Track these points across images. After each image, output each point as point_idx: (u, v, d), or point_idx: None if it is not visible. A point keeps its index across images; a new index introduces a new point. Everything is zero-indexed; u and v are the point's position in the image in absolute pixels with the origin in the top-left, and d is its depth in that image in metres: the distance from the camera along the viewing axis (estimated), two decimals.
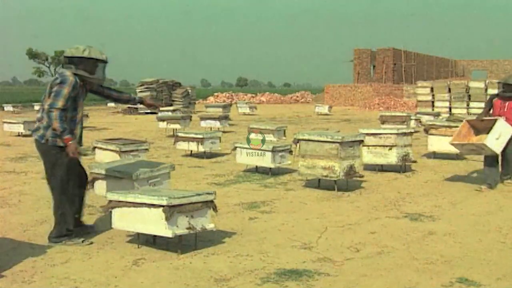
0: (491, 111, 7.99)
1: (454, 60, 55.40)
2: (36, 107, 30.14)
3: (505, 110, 7.74)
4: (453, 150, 8.57)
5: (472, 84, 24.17)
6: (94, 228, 5.53)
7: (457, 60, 56.06)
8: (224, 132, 14.74)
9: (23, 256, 4.70)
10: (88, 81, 5.12)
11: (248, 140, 9.12)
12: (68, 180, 5.09)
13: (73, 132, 5.01)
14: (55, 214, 5.14)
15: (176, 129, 14.01)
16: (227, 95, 44.67)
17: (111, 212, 4.99)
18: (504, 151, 7.66)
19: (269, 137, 11.23)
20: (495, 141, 7.43)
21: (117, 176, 5.90)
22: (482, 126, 7.82)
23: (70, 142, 4.89)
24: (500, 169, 7.89)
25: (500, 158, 7.84)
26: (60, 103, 4.87)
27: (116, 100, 5.76)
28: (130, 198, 4.79)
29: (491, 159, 7.72)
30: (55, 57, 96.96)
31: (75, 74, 5.00)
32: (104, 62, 5.16)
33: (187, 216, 4.75)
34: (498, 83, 8.02)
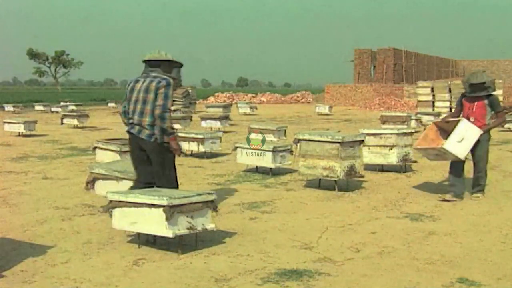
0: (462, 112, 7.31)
1: (455, 60, 55.44)
2: (37, 107, 30.07)
3: (474, 110, 7.08)
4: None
5: None
6: None
7: (458, 60, 56.10)
8: (224, 132, 14.74)
9: (23, 256, 4.69)
10: None
11: (249, 140, 9.11)
12: (176, 175, 5.48)
13: (174, 131, 5.41)
14: None
15: (176, 129, 13.99)
16: (228, 95, 44.64)
17: (111, 212, 5.00)
18: (473, 155, 7.03)
19: (270, 137, 11.24)
20: (456, 145, 6.65)
21: (117, 176, 5.90)
22: (450, 128, 7.01)
23: (175, 141, 5.28)
24: (473, 174, 7.15)
25: (472, 165, 7.14)
26: (169, 105, 5.30)
27: None
28: (130, 198, 4.79)
29: (456, 167, 7.00)
30: (56, 57, 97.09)
31: None
32: (180, 64, 5.66)
33: (187, 216, 4.75)
34: (463, 82, 7.52)
